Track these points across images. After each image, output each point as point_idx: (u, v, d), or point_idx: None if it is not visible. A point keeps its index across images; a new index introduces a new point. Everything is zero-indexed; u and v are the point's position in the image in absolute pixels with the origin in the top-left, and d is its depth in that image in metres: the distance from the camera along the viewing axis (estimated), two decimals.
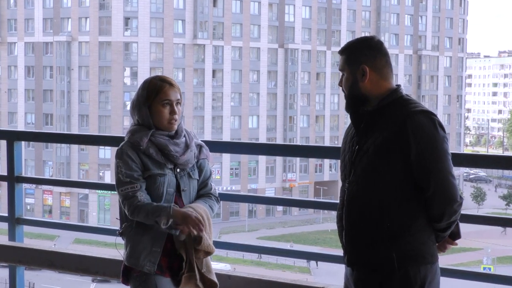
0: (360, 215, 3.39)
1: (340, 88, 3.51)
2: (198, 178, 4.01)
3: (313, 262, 49.03)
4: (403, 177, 3.31)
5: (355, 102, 3.44)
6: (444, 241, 3.48)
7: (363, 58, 3.40)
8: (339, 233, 3.52)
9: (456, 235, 3.49)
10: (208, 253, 3.88)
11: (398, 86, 3.45)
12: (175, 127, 3.90)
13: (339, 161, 3.61)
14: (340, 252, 3.60)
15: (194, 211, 3.83)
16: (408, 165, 3.29)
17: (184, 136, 3.96)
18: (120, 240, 3.99)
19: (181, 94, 3.94)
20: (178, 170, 3.91)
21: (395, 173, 3.31)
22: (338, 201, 3.60)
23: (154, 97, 3.85)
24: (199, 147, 4.05)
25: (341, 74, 3.52)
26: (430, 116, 3.30)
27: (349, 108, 3.46)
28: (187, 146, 3.94)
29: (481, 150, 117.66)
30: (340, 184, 3.57)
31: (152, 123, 3.87)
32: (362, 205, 3.38)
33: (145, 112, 3.86)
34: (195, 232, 3.76)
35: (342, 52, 3.48)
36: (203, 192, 4.03)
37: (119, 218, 4.01)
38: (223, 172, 69.89)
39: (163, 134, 3.88)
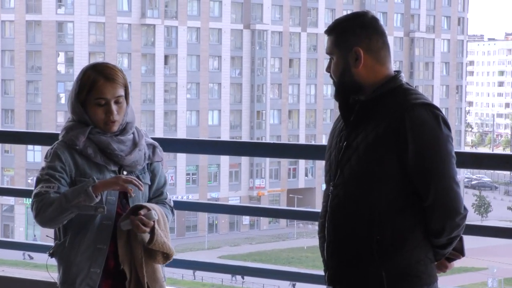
0: (345, 224, 3.39)
1: (329, 74, 3.50)
2: (149, 183, 3.99)
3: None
4: (398, 181, 3.32)
5: (347, 90, 3.45)
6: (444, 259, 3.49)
7: (356, 38, 3.40)
8: (320, 246, 3.52)
9: (459, 251, 3.50)
10: (167, 257, 3.86)
11: (398, 72, 3.47)
12: (115, 129, 3.86)
13: (316, 165, 3.60)
14: (320, 272, 3.60)
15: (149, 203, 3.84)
16: (405, 167, 3.30)
17: (133, 132, 3.94)
18: (53, 262, 3.94)
19: (127, 85, 3.90)
20: (125, 172, 3.88)
21: (389, 176, 3.32)
22: (319, 210, 3.60)
23: (86, 93, 3.82)
24: (152, 147, 4.03)
25: (329, 58, 3.50)
26: (433, 110, 3.31)
27: (339, 96, 3.47)
28: (135, 144, 3.92)
29: (485, 151, 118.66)
30: (318, 191, 3.55)
31: (90, 120, 3.84)
32: (349, 213, 3.38)
33: (78, 109, 3.84)
34: (133, 194, 3.72)
35: (330, 31, 3.48)
36: (156, 201, 4.01)
37: (53, 236, 3.98)
38: (177, 178, 69.74)
39: None
